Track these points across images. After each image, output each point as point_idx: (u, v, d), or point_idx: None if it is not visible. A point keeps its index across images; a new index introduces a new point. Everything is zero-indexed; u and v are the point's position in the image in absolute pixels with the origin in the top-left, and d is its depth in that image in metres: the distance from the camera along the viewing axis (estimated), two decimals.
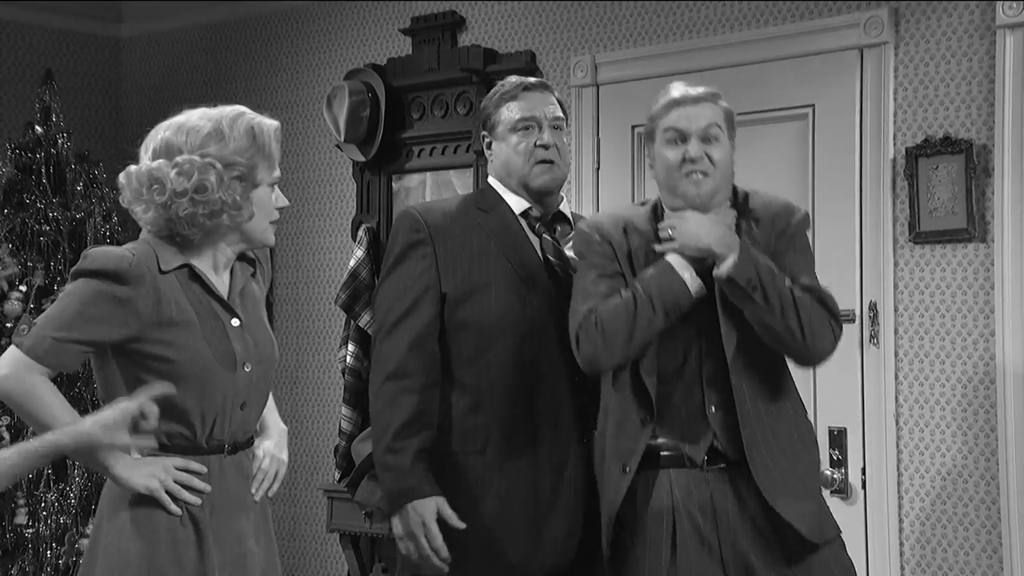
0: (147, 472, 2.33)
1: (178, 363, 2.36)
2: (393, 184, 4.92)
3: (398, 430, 2.72)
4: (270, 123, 2.49)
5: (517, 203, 2.89)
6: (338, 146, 4.92)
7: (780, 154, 4.01)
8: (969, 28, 3.66)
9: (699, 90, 2.65)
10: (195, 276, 2.43)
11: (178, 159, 2.43)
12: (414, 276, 2.80)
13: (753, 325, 2.57)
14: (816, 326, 2.58)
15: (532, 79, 2.96)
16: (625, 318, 2.52)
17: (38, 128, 4.69)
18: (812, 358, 2.65)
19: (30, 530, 4.26)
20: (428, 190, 4.85)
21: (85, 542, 4.27)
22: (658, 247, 2.58)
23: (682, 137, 2.60)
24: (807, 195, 3.93)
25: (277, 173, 2.50)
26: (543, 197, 2.89)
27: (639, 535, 2.59)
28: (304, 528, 5.10)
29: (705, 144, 2.60)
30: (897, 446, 3.75)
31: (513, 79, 2.96)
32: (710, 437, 2.59)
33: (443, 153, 4.77)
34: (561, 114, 2.92)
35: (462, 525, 2.70)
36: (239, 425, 2.47)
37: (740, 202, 2.70)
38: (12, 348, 2.33)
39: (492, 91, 2.97)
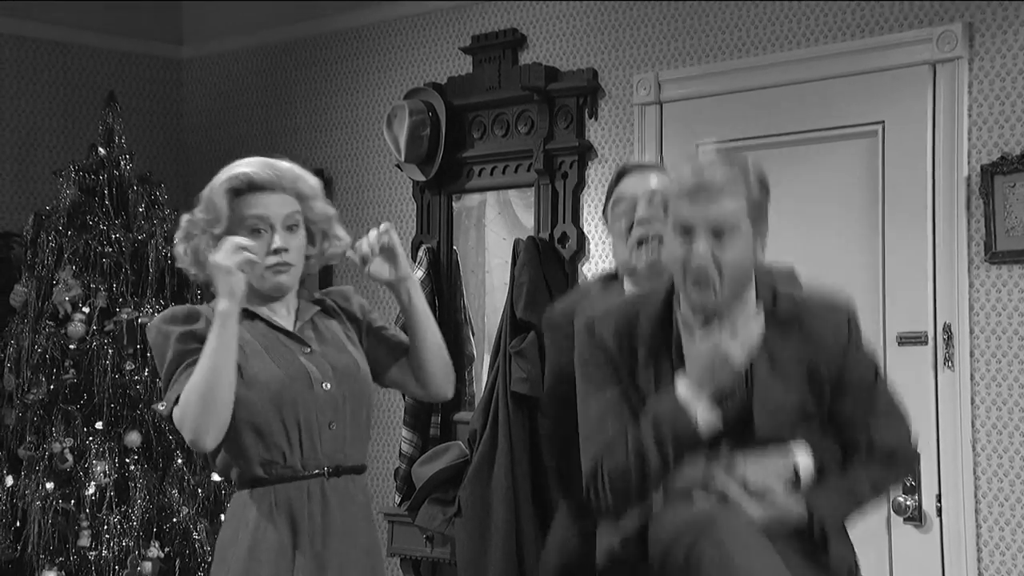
0: (219, 258, 2.44)
1: (250, 381, 2.47)
2: (454, 204, 4.89)
3: None
4: (232, 172, 2.54)
5: None
6: (398, 166, 4.90)
7: (849, 172, 3.93)
8: None
9: (719, 175, 2.27)
10: (253, 315, 2.56)
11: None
12: None
13: None
14: (903, 463, 2.47)
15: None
16: (634, 470, 2.30)
17: (101, 150, 4.71)
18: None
19: (93, 552, 4.27)
20: (489, 210, 4.81)
21: (148, 565, 4.28)
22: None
23: (689, 231, 2.27)
24: (877, 214, 3.84)
25: (249, 212, 2.51)
26: None
27: None
28: None
29: (716, 239, 2.26)
30: (974, 473, 3.64)
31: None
32: None
33: (504, 172, 4.73)
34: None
35: None
36: (334, 446, 2.52)
37: (777, 307, 2.37)
38: (173, 418, 2.49)
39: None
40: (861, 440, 2.39)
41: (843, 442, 2.40)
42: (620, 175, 2.73)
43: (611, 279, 2.75)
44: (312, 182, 2.59)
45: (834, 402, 2.36)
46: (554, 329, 2.70)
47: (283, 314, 2.59)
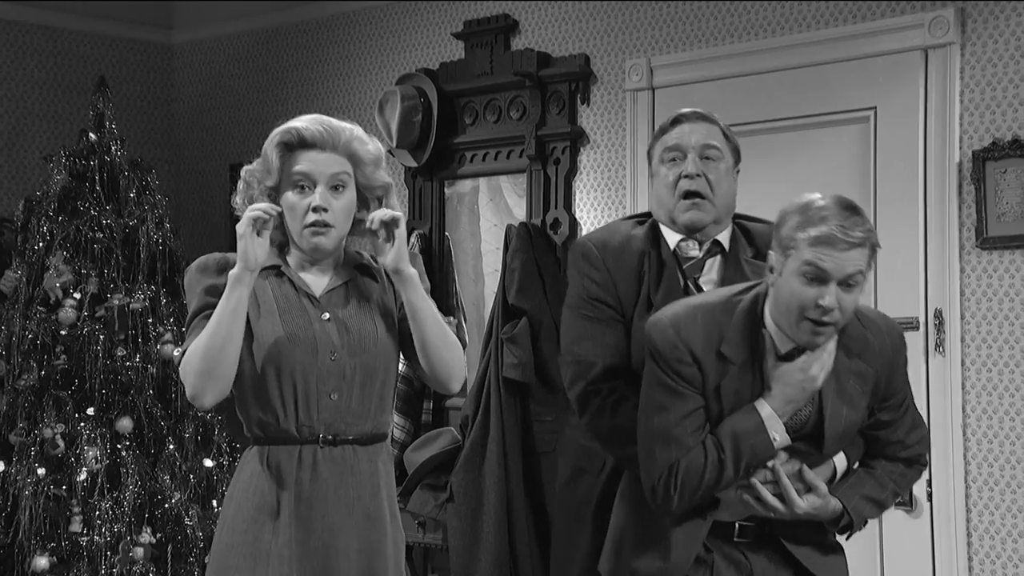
0: (238, 224, 2.47)
1: (257, 341, 2.49)
2: (445, 190, 4.88)
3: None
4: (286, 126, 2.53)
5: (671, 237, 2.72)
6: (390, 152, 4.88)
7: (841, 158, 3.93)
8: None
9: (857, 232, 2.30)
10: (282, 274, 2.56)
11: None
12: None
13: None
14: (922, 466, 2.59)
15: (690, 111, 2.72)
16: (708, 480, 2.40)
17: (92, 135, 4.68)
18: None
19: (85, 538, 4.25)
20: (481, 196, 4.81)
21: (140, 551, 4.27)
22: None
23: (821, 279, 2.30)
24: (869, 199, 3.84)
25: (297, 168, 2.49)
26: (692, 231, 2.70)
27: None
28: None
29: (842, 289, 2.31)
30: (964, 458, 3.65)
31: (673, 114, 2.74)
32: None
33: (496, 158, 4.72)
34: (714, 142, 2.68)
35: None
36: (334, 415, 2.51)
37: (848, 329, 2.44)
38: (180, 367, 2.53)
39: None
40: (893, 444, 2.53)
41: (873, 441, 2.54)
42: (675, 121, 2.69)
43: (642, 222, 2.76)
44: (371, 147, 2.56)
45: (878, 409, 2.49)
46: (584, 259, 2.70)
47: (316, 275, 2.57)
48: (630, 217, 2.82)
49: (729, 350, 2.39)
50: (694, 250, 2.67)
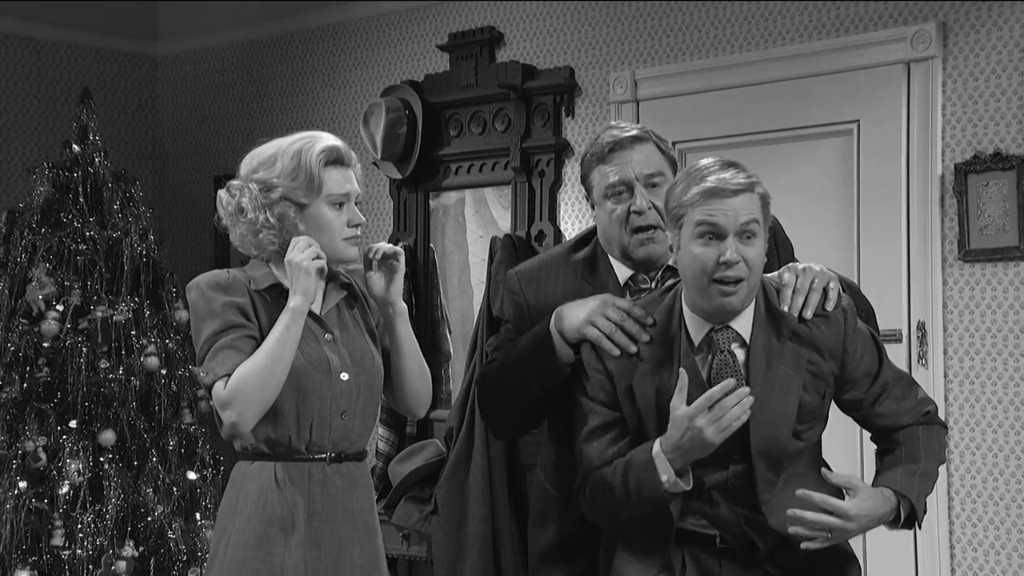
0: (297, 257, 2.47)
1: None
2: (431, 202, 4.88)
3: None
4: (322, 144, 2.56)
5: (621, 271, 2.63)
6: (375, 163, 4.89)
7: (824, 171, 3.94)
8: (1020, 42, 3.57)
9: (739, 179, 2.28)
10: (285, 293, 2.55)
11: (231, 183, 2.61)
12: None
13: None
14: (940, 435, 2.43)
15: (622, 135, 2.58)
16: (607, 501, 2.34)
17: (75, 147, 4.66)
18: None
19: (66, 552, 4.22)
20: (466, 208, 4.81)
21: (122, 564, 4.24)
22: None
23: (717, 234, 2.26)
24: (852, 212, 3.86)
25: (336, 190, 2.55)
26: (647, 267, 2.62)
27: None
28: None
29: (741, 241, 2.27)
30: (947, 469, 3.66)
31: (604, 137, 2.60)
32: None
33: (480, 170, 4.73)
34: (656, 168, 2.56)
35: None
36: (342, 434, 2.55)
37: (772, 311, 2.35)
38: (215, 392, 2.48)
39: (585, 151, 2.66)
40: (893, 414, 2.38)
41: (871, 420, 2.41)
42: (612, 149, 2.56)
43: (580, 246, 2.67)
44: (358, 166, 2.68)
45: (842, 390, 2.37)
46: (512, 294, 2.67)
47: (318, 296, 2.60)
48: (571, 243, 2.70)
49: (649, 354, 2.33)
50: (645, 284, 2.61)
